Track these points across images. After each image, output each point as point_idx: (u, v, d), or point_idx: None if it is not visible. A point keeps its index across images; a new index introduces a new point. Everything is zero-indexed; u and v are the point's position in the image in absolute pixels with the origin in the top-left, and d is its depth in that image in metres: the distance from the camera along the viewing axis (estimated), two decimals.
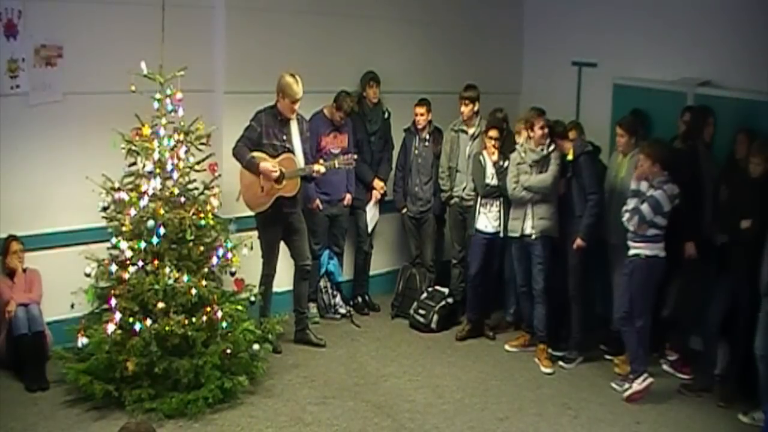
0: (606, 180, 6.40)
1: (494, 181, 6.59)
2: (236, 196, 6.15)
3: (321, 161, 6.40)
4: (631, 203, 5.74)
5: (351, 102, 6.93)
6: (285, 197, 6.21)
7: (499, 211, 6.64)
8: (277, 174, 6.09)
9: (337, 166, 6.41)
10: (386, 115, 7.37)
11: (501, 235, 6.64)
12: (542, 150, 6.27)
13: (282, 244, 6.44)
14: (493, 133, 6.61)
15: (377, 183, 7.33)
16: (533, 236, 6.32)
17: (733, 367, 5.78)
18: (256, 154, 6.11)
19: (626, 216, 5.74)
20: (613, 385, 6.01)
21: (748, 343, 5.35)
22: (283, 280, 6.59)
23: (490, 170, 6.62)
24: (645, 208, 5.64)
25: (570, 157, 6.30)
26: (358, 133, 7.21)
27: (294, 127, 6.26)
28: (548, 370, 6.30)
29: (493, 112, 7.08)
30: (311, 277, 6.99)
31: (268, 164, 6.08)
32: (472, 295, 6.89)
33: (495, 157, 6.60)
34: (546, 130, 6.25)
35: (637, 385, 5.79)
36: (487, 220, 6.67)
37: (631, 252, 5.77)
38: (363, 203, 7.33)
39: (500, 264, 6.92)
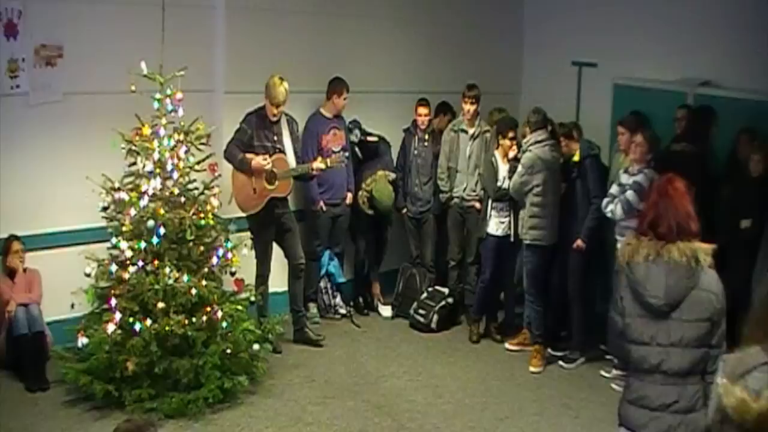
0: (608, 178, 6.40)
1: (506, 184, 6.52)
2: (228, 198, 6.14)
3: (320, 159, 6.40)
4: (614, 191, 5.79)
5: (345, 83, 6.87)
6: (277, 198, 6.21)
7: (509, 214, 6.59)
8: (269, 165, 6.08)
9: (329, 164, 6.39)
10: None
11: (512, 239, 6.58)
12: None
13: (274, 244, 6.44)
14: (511, 134, 6.53)
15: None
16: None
17: None
18: (247, 155, 6.12)
19: (604, 202, 5.82)
20: (613, 385, 6.00)
21: None
22: (281, 280, 6.58)
23: (502, 173, 6.55)
24: (630, 194, 5.65)
25: (576, 158, 6.31)
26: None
27: (284, 127, 6.27)
28: (535, 370, 6.30)
29: (493, 111, 7.08)
30: (311, 277, 7.00)
31: (258, 158, 6.08)
32: (484, 296, 6.85)
33: (512, 155, 6.50)
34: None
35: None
36: (497, 223, 6.64)
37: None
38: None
39: (512, 267, 6.86)
